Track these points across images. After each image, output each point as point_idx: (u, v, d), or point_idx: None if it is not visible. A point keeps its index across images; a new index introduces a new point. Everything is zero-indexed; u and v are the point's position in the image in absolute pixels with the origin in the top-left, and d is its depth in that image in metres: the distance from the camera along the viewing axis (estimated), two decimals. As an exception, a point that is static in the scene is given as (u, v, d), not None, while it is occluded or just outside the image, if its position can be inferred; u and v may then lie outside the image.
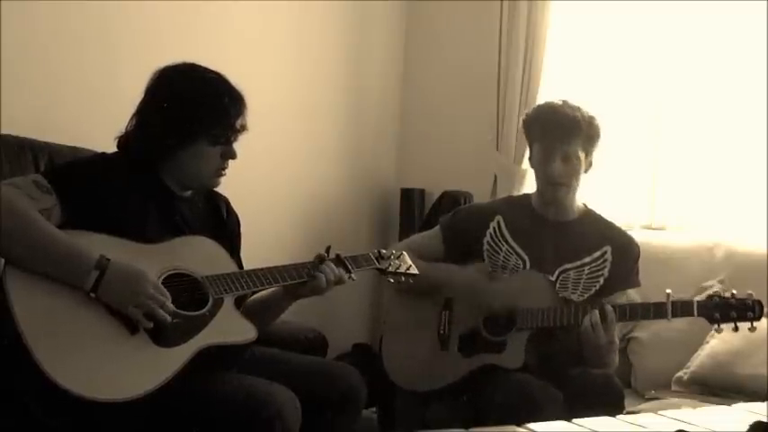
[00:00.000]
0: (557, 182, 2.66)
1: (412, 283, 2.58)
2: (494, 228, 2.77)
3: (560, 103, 2.72)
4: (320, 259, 2.29)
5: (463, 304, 2.69)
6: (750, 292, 2.42)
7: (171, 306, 2.00)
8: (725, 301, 2.41)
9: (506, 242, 2.74)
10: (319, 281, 2.25)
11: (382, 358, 2.78)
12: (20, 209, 1.95)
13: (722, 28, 3.57)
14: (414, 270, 2.51)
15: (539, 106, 2.82)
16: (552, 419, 1.84)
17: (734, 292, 2.42)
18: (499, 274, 2.72)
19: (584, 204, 2.80)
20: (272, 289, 2.30)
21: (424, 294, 2.73)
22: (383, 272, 2.46)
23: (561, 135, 2.64)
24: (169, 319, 1.99)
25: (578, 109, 2.68)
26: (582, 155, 2.66)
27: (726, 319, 2.41)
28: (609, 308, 2.49)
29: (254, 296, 2.33)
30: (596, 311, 2.48)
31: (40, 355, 1.85)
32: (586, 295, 2.66)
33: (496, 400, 2.42)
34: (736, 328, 2.41)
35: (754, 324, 2.39)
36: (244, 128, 2.24)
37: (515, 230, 2.75)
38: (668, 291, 2.44)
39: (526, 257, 2.71)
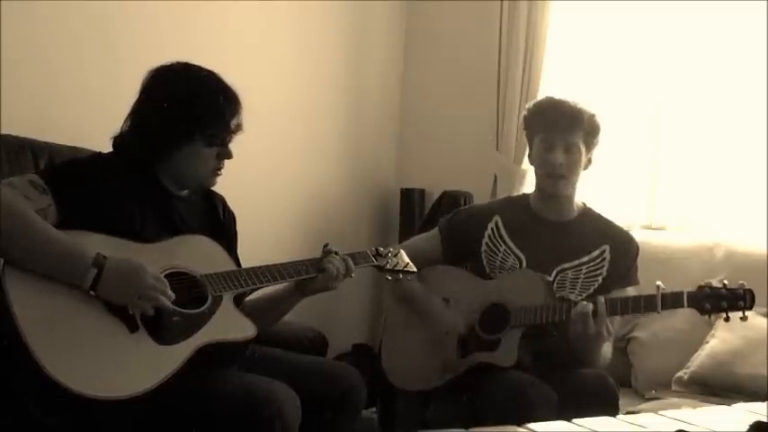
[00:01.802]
0: (557, 172, 2.66)
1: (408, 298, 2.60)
2: (491, 228, 2.77)
3: (560, 97, 2.73)
4: (326, 253, 2.30)
5: (459, 304, 2.69)
6: (742, 282, 2.39)
7: (172, 294, 2.00)
8: (715, 291, 2.39)
9: (504, 242, 2.74)
10: (330, 272, 2.26)
11: (381, 358, 2.78)
12: (17, 209, 1.95)
13: (722, 28, 3.57)
14: (411, 268, 2.51)
15: (539, 100, 2.82)
16: (546, 418, 1.85)
17: (725, 282, 2.40)
18: (496, 275, 2.72)
19: (584, 203, 2.80)
20: (282, 286, 2.31)
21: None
22: (381, 269, 2.46)
23: (563, 126, 2.65)
24: (171, 307, 1.99)
25: (578, 103, 2.70)
26: (583, 148, 2.67)
27: (716, 310, 2.38)
28: (600, 299, 2.48)
29: (263, 293, 2.33)
30: (587, 303, 2.48)
31: (40, 353, 1.85)
32: (584, 294, 2.65)
33: (490, 398, 2.42)
34: (727, 318, 2.38)
35: (746, 313, 2.36)
36: (239, 128, 2.23)
37: (513, 231, 2.75)
38: (658, 283, 2.43)
39: (523, 258, 2.71)
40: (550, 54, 3.79)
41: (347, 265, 2.31)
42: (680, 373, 3.08)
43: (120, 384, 1.91)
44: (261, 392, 2.01)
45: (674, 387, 3.07)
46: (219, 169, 2.25)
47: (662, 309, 2.43)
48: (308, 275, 2.28)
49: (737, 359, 2.98)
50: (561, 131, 2.65)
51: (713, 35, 3.59)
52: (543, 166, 2.69)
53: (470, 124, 4.06)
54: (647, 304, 2.46)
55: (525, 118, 2.81)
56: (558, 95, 2.76)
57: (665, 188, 3.70)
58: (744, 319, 2.36)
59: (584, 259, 2.70)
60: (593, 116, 2.69)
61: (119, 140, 2.22)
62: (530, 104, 2.87)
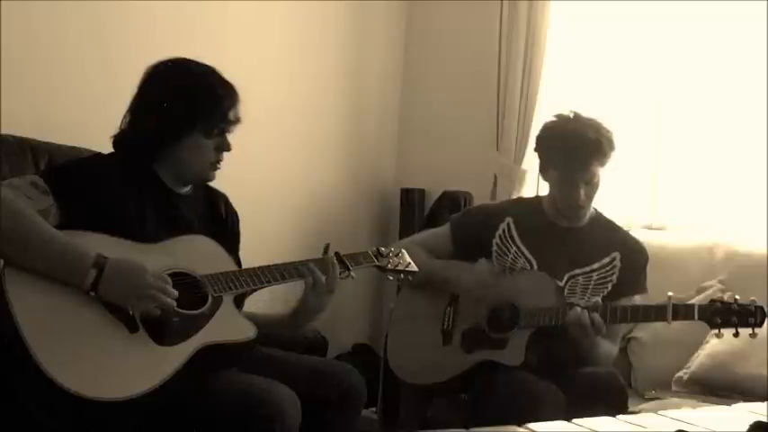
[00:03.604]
0: (581, 206, 2.67)
1: (420, 279, 2.58)
2: (503, 229, 2.77)
3: (577, 123, 2.65)
4: (326, 251, 2.30)
5: (468, 300, 2.69)
6: (753, 298, 2.40)
7: (174, 292, 1.99)
8: (727, 306, 2.39)
9: (515, 244, 2.74)
10: (315, 277, 2.22)
11: (387, 352, 2.79)
12: (18, 209, 1.95)
13: (722, 29, 3.56)
14: (413, 268, 2.50)
15: (554, 129, 2.71)
16: (551, 418, 1.84)
17: (737, 297, 2.41)
18: (506, 273, 2.72)
19: (595, 209, 2.79)
20: (278, 318, 2.31)
21: (431, 290, 2.74)
22: (382, 269, 2.45)
23: (585, 162, 2.61)
24: (174, 304, 1.98)
25: (597, 128, 2.63)
26: (600, 170, 2.65)
27: (727, 325, 2.39)
28: (600, 308, 2.49)
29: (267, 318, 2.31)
30: (585, 311, 2.47)
31: (40, 354, 1.84)
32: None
33: (495, 396, 2.43)
34: (736, 334, 2.39)
35: (755, 330, 2.37)
36: (238, 120, 2.23)
37: (525, 234, 2.75)
38: (670, 293, 2.44)
39: (534, 261, 2.71)
40: (550, 54, 3.78)
41: (329, 274, 2.24)
42: (680, 373, 3.08)
43: (119, 386, 1.90)
44: (260, 393, 2.00)
45: (674, 387, 3.07)
46: (218, 162, 2.24)
47: (672, 320, 2.43)
48: (302, 278, 2.25)
49: (738, 359, 2.98)
50: (583, 168, 2.61)
51: (713, 36, 3.59)
52: (565, 199, 2.67)
53: (470, 124, 4.05)
54: (657, 314, 2.47)
55: (541, 143, 2.75)
56: (572, 118, 2.66)
57: (665, 188, 3.70)
58: (753, 336, 2.36)
59: (595, 266, 2.70)
60: (610, 137, 2.64)
61: (119, 138, 2.22)
62: (548, 134, 2.74)
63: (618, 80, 3.79)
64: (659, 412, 1.94)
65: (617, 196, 3.67)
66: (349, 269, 2.32)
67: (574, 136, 2.63)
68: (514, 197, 3.61)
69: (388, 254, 2.46)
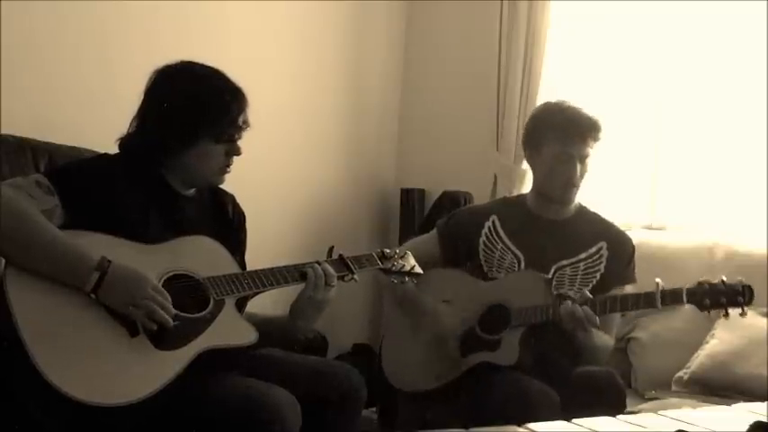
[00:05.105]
0: (573, 183, 2.68)
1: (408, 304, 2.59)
2: (489, 227, 2.78)
3: (568, 104, 2.72)
4: (329, 254, 2.30)
5: (459, 305, 2.69)
6: (740, 278, 2.39)
7: (172, 309, 1.99)
8: (714, 287, 2.39)
9: (501, 241, 2.75)
10: (309, 276, 2.21)
11: (382, 362, 2.78)
12: (21, 209, 1.94)
13: (722, 28, 3.57)
14: (418, 270, 2.49)
15: (548, 108, 2.79)
16: (547, 417, 1.85)
17: (723, 278, 2.40)
18: (494, 274, 2.73)
19: (578, 202, 2.81)
20: (278, 323, 2.30)
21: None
22: (387, 271, 2.43)
23: (582, 138, 2.66)
24: (171, 322, 1.98)
25: (590, 112, 2.70)
26: (591, 154, 2.69)
27: (716, 306, 2.38)
28: (584, 292, 2.49)
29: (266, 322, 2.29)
30: (575, 304, 2.47)
31: (40, 357, 1.84)
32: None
33: (490, 397, 2.42)
34: (726, 314, 2.38)
35: (745, 309, 2.37)
36: (246, 124, 2.23)
37: (510, 230, 2.76)
38: (657, 280, 2.43)
39: (521, 256, 2.72)
40: (550, 54, 3.78)
41: (326, 274, 2.22)
42: (680, 373, 3.08)
43: (119, 390, 1.90)
44: (260, 397, 2.00)
45: (674, 387, 3.07)
46: (228, 166, 2.24)
47: (661, 305, 2.43)
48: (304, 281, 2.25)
49: (737, 359, 2.98)
50: (579, 144, 2.66)
51: (713, 35, 3.59)
52: (559, 177, 2.69)
53: (470, 124, 4.05)
54: (646, 301, 2.46)
55: (533, 123, 2.78)
56: (560, 102, 2.75)
57: (665, 188, 3.71)
58: (743, 314, 2.36)
59: (582, 256, 2.71)
60: (601, 122, 2.70)
61: (125, 141, 2.21)
62: (541, 113, 2.81)
63: (618, 80, 3.79)
64: (659, 412, 1.94)
65: (617, 196, 3.69)
66: (352, 272, 2.30)
67: (572, 113, 2.69)
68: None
69: (393, 256, 2.44)
